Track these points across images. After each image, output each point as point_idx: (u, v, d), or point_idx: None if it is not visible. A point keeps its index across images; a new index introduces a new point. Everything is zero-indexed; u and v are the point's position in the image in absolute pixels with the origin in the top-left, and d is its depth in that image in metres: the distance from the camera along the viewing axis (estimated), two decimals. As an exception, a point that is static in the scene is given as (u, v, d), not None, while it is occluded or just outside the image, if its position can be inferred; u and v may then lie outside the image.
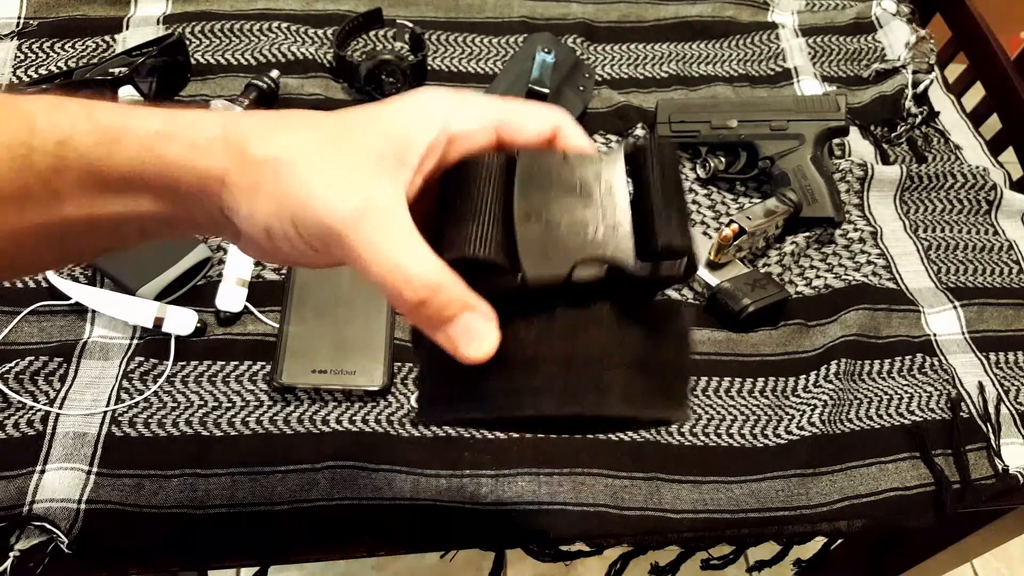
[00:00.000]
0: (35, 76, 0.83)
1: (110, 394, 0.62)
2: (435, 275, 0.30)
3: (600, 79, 0.92)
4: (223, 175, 0.31)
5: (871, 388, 0.70)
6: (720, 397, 0.68)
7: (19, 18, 0.88)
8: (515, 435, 0.63)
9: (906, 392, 0.70)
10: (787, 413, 0.67)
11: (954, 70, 1.03)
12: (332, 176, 0.30)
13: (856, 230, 0.81)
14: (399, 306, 0.31)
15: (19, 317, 0.66)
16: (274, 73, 0.83)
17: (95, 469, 0.58)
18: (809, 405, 0.67)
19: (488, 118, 0.33)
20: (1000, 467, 0.66)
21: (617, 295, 0.32)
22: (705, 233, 0.80)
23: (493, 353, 0.31)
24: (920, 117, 0.93)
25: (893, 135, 0.92)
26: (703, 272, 0.74)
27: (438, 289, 0.30)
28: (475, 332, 0.31)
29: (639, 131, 0.86)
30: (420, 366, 0.38)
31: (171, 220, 0.33)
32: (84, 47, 0.86)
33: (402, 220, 0.31)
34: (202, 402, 0.63)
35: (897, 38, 0.99)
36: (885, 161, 0.88)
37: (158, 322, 0.65)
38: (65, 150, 0.30)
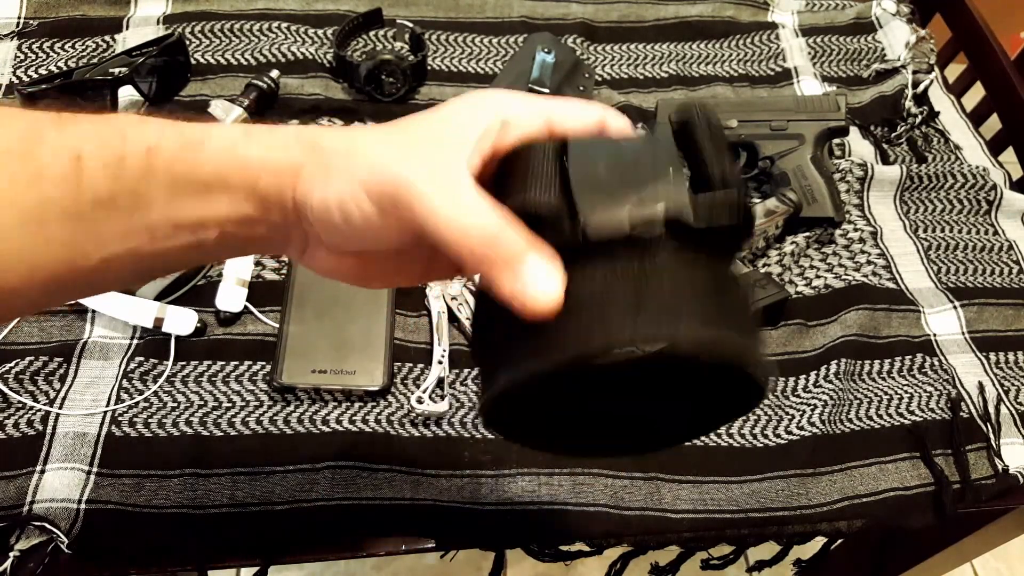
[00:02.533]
0: (35, 76, 0.83)
1: (110, 394, 0.62)
2: (499, 219, 0.31)
3: (600, 79, 0.92)
4: (299, 168, 0.33)
5: (871, 388, 0.70)
6: (720, 397, 0.68)
7: (19, 18, 0.88)
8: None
9: (906, 392, 0.70)
10: (787, 413, 0.67)
11: (954, 70, 1.03)
12: (398, 147, 0.33)
13: (856, 230, 0.81)
14: (466, 256, 0.31)
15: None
16: (274, 73, 0.83)
17: (95, 469, 0.58)
18: (809, 405, 0.67)
19: (539, 108, 0.36)
20: (1000, 467, 0.66)
21: (678, 253, 0.31)
22: (705, 233, 0.80)
23: (561, 299, 0.30)
24: (920, 117, 0.92)
25: (893, 135, 0.92)
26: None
27: (503, 230, 0.31)
28: (542, 272, 0.30)
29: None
30: (478, 361, 0.38)
31: (248, 221, 0.34)
32: (84, 47, 0.86)
33: (465, 176, 0.32)
34: (202, 402, 0.63)
35: (897, 38, 0.99)
36: (885, 161, 0.88)
37: (158, 322, 0.65)
38: (153, 156, 0.32)
